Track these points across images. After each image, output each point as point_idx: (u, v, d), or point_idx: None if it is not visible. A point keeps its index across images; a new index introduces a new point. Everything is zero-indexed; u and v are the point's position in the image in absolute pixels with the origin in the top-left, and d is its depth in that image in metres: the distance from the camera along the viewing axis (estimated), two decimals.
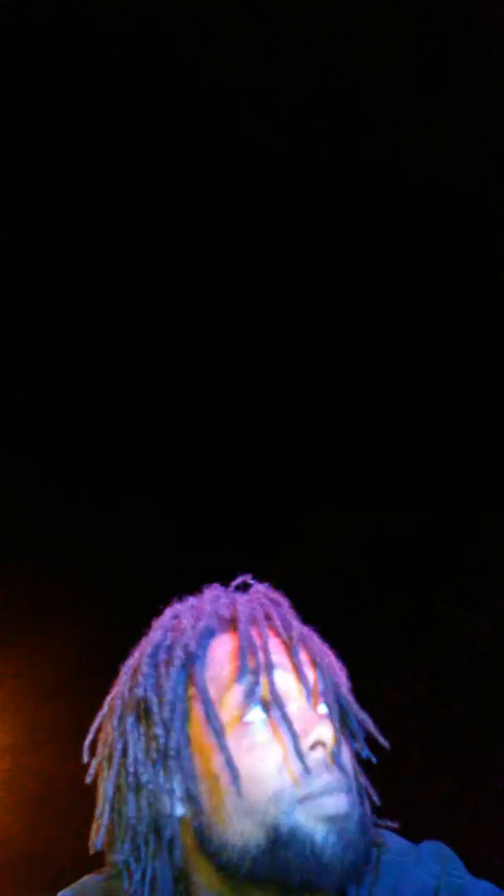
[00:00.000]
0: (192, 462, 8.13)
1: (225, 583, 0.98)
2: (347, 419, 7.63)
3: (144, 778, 0.83)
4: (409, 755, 5.62)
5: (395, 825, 0.89)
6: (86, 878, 0.96)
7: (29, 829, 9.18)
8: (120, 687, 0.89)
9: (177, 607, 0.96)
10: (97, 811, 0.85)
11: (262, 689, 0.84)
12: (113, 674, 0.99)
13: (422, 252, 6.85)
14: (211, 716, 0.83)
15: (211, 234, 6.98)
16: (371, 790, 0.87)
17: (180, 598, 0.98)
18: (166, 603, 1.03)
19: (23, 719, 8.95)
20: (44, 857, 9.42)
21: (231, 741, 0.83)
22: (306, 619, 0.95)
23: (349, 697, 0.89)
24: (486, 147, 5.63)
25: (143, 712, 0.86)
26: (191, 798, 0.82)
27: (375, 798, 0.87)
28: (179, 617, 0.93)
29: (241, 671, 0.85)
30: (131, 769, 0.84)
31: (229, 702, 0.85)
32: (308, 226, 6.81)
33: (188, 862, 0.84)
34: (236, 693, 0.85)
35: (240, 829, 0.81)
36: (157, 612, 0.97)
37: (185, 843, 0.83)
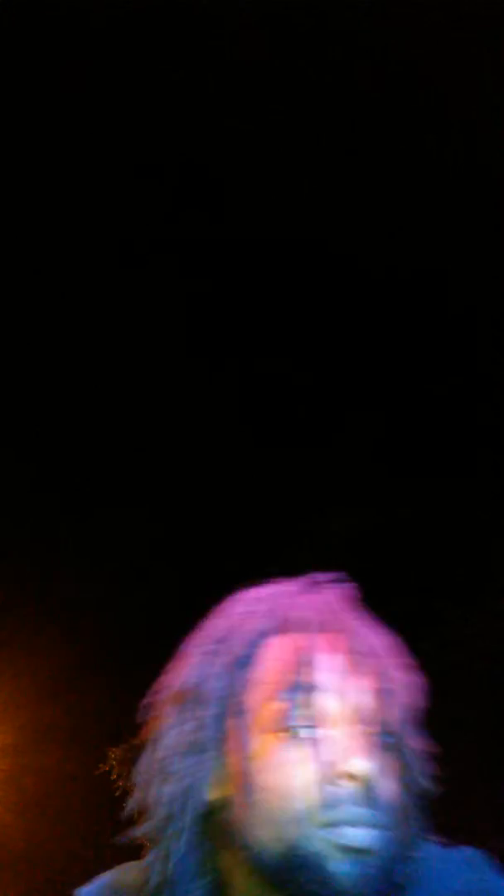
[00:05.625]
0: (194, 464, 8.13)
1: (269, 579, 0.94)
2: (348, 421, 7.63)
3: (174, 768, 0.82)
4: None
5: (438, 839, 0.87)
6: (117, 869, 0.95)
7: (29, 828, 9.18)
8: (170, 670, 0.88)
9: (239, 597, 0.92)
10: (132, 798, 0.84)
11: (301, 709, 0.81)
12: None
13: (423, 262, 6.86)
14: (243, 725, 0.81)
15: (205, 240, 6.99)
16: (424, 821, 0.85)
17: (247, 587, 0.94)
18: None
19: (23, 719, 8.95)
20: (44, 856, 9.43)
21: (263, 751, 0.81)
22: None
23: (405, 728, 0.85)
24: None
25: (184, 702, 0.85)
26: (220, 791, 0.82)
27: (429, 831, 0.85)
28: (238, 610, 0.90)
29: (283, 685, 0.82)
30: (163, 757, 0.82)
31: (270, 710, 0.83)
32: (299, 223, 6.81)
33: (216, 851, 0.83)
34: (277, 704, 0.83)
35: (258, 836, 0.80)
36: (217, 601, 0.94)
37: (213, 832, 0.82)
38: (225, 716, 0.82)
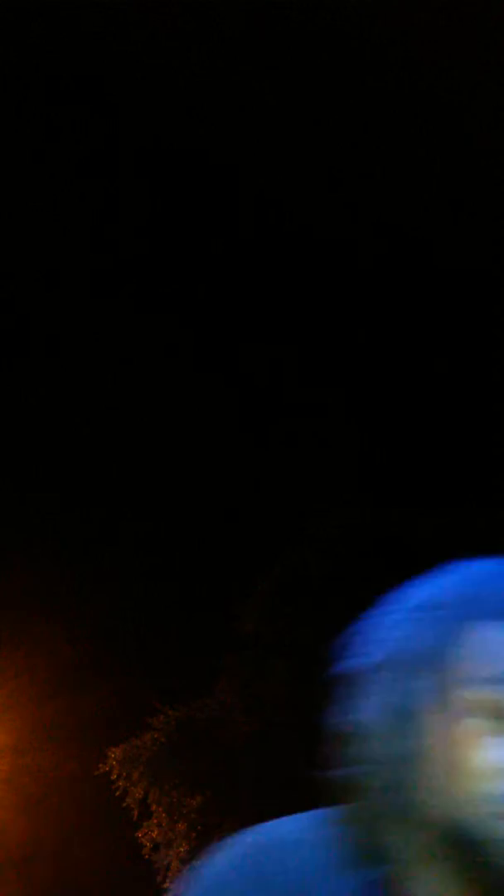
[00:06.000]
0: (194, 464, 8.14)
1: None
2: (348, 422, 7.64)
3: (373, 728, 0.81)
4: None
5: None
6: (250, 832, 0.90)
7: (29, 828, 9.19)
8: (371, 624, 0.85)
9: (455, 569, 0.89)
10: (323, 750, 0.84)
11: (494, 703, 0.80)
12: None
13: (424, 267, 6.87)
14: (445, 702, 0.80)
15: (205, 245, 6.99)
16: None
17: (473, 556, 0.91)
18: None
19: (23, 719, 8.96)
20: (44, 856, 9.43)
21: (458, 731, 0.80)
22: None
23: None
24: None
25: (390, 663, 0.83)
26: (414, 758, 0.81)
27: None
28: (454, 583, 0.87)
29: (490, 673, 0.81)
30: (364, 716, 0.82)
31: (473, 695, 0.82)
32: (303, 223, 6.81)
33: (403, 814, 0.82)
34: (482, 691, 0.82)
35: (437, 801, 0.80)
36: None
37: (401, 797, 0.82)
38: (431, 689, 0.81)
